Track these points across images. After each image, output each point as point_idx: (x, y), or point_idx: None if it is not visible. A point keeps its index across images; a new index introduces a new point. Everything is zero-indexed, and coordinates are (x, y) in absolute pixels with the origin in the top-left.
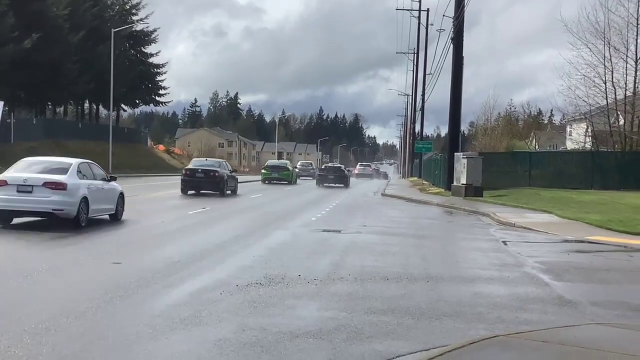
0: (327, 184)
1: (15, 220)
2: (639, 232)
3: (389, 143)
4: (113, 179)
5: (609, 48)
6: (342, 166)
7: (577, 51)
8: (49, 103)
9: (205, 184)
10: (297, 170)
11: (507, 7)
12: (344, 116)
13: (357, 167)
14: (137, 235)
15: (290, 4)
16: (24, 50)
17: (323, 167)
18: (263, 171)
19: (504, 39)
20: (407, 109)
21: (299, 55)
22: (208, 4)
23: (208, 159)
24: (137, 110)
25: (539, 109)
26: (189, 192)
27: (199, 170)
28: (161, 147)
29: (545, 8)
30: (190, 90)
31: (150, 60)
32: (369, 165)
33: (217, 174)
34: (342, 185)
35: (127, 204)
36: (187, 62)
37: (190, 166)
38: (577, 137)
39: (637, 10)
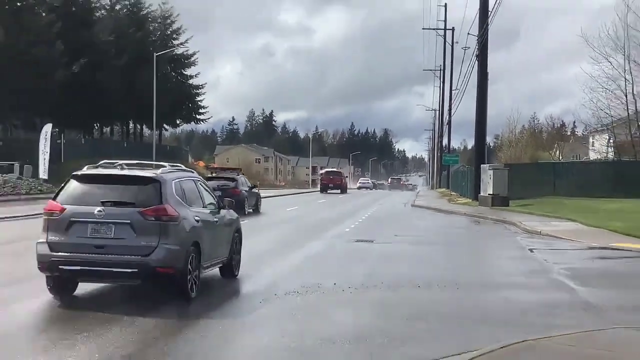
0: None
1: None
2: None
3: (417, 156)
4: None
5: (629, 62)
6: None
7: (599, 65)
8: (96, 124)
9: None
10: None
11: (540, 23)
12: (374, 131)
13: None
14: None
15: (338, 22)
16: (72, 75)
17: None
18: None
19: (529, 56)
20: (434, 123)
21: (337, 73)
22: (257, 25)
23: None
24: (179, 129)
25: (562, 121)
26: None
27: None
28: (201, 163)
29: (566, 25)
30: (230, 109)
31: (191, 81)
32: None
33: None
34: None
35: None
36: (229, 83)
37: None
38: (600, 148)
39: None
